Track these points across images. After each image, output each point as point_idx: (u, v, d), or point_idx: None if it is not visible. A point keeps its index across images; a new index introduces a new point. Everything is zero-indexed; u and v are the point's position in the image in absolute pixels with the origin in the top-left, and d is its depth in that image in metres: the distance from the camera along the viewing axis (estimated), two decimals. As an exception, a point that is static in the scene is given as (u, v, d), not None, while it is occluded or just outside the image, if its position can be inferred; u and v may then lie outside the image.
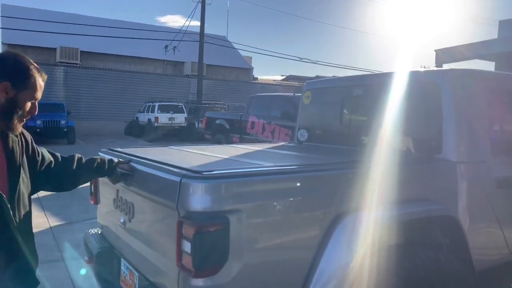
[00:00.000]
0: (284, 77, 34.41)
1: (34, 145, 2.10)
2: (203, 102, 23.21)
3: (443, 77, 3.01)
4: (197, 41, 23.56)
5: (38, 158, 2.09)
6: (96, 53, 26.50)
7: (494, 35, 8.97)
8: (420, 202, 2.65)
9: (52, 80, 23.27)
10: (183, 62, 28.98)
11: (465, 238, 2.72)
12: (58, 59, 24.85)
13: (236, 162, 2.67)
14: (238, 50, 32.05)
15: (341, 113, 3.84)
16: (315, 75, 31.90)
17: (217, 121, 15.00)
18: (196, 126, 21.14)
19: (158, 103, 21.56)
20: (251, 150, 3.46)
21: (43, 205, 7.04)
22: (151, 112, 21.62)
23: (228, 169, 2.20)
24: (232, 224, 1.99)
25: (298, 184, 2.22)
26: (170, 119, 21.28)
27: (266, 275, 2.13)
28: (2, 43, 25.09)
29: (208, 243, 1.94)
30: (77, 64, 25.13)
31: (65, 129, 17.56)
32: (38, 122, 16.98)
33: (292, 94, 13.66)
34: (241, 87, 28.96)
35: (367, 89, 3.54)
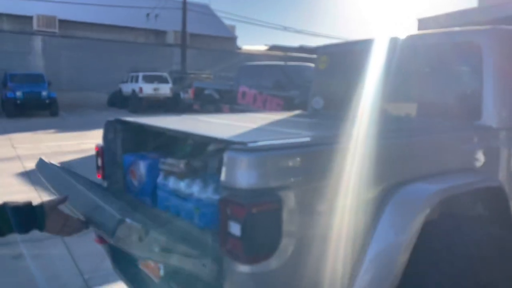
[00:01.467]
0: (268, 47, 33.87)
1: None
2: (188, 72, 22.68)
3: (484, 37, 2.79)
4: (179, 8, 22.76)
5: None
6: (74, 22, 25.39)
7: (475, 4, 8.82)
8: (464, 172, 2.48)
9: (29, 50, 22.33)
10: (165, 31, 28.10)
11: (510, 209, 2.57)
12: (35, 27, 23.75)
13: (270, 132, 2.43)
14: (221, 18, 31.26)
15: (364, 78, 3.60)
16: (299, 45, 31.56)
17: (206, 91, 14.63)
18: (182, 97, 20.68)
19: (142, 73, 20.99)
20: (274, 119, 3.21)
21: (32, 179, 6.70)
22: (135, 83, 21.05)
23: (274, 140, 1.96)
24: (284, 202, 1.77)
25: (350, 155, 2.00)
26: (154, 89, 20.76)
27: (316, 258, 1.93)
28: (-26, 11, 23.81)
29: (261, 225, 1.73)
30: (55, 32, 24.10)
31: (47, 101, 16.93)
32: (18, 93, 16.31)
33: (284, 63, 13.34)
34: (225, 57, 28.36)
35: (396, 52, 3.30)
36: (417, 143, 2.25)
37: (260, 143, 1.86)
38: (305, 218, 1.87)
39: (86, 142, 11.27)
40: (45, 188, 6.35)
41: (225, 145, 1.88)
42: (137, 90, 20.55)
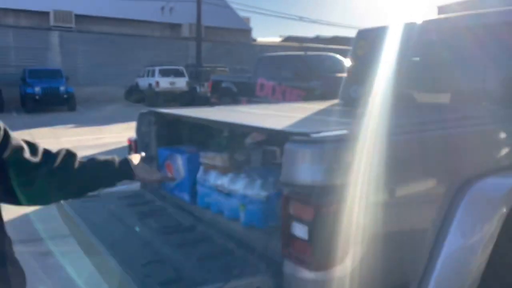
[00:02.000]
0: (283, 38, 33.53)
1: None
2: (203, 65, 22.50)
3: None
4: (194, 1, 22.57)
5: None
6: (90, 16, 25.37)
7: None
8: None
9: (47, 46, 22.39)
10: (180, 24, 27.95)
11: None
12: (51, 23, 23.78)
13: (324, 122, 2.23)
14: (236, 10, 31.00)
15: (410, 63, 3.37)
16: (315, 35, 31.13)
17: (223, 84, 14.44)
18: (198, 91, 20.53)
19: (159, 67, 20.88)
20: (316, 109, 3.02)
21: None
22: (151, 77, 20.97)
23: (337, 131, 1.77)
24: (354, 200, 1.58)
25: (420, 146, 1.80)
26: (171, 83, 20.65)
27: (385, 261, 1.75)
28: (-9, 7, 23.95)
29: (331, 227, 1.54)
30: (72, 28, 24.12)
31: (65, 96, 16.94)
32: (37, 89, 16.34)
33: (304, 52, 13.06)
34: (240, 49, 28.11)
35: (448, 34, 3.07)
36: (489, 132, 2.04)
37: (325, 134, 1.68)
38: (374, 217, 1.68)
39: (105, 136, 11.22)
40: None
41: (283, 136, 1.69)
42: (153, 84, 20.47)
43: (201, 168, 2.63)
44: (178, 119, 2.90)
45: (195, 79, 21.18)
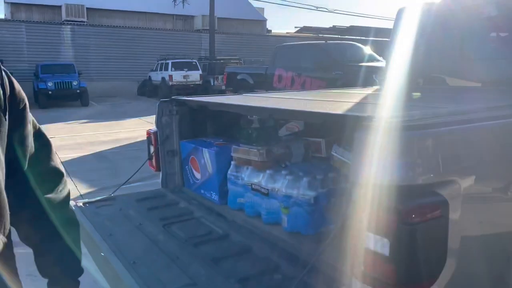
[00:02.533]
0: (298, 28, 32.89)
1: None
2: (217, 58, 22.12)
3: None
4: (207, -8, 22.14)
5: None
6: (102, 10, 25.13)
7: None
8: None
9: (59, 40, 22.19)
10: (193, 16, 27.58)
11: None
12: (64, 17, 23.58)
13: (390, 106, 1.83)
14: (250, 1, 30.52)
15: (463, 41, 2.94)
16: (331, 25, 30.50)
17: (239, 77, 14.06)
18: (212, 84, 20.17)
19: (172, 61, 20.52)
20: (362, 94, 2.62)
21: (69, 170, 6.32)
22: (164, 70, 20.63)
23: (425, 115, 1.38)
24: (451, 204, 1.20)
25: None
26: (184, 77, 20.30)
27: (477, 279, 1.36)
28: (5, 2, 23.81)
29: (421, 240, 1.16)
30: (84, 22, 23.90)
31: (78, 91, 16.69)
32: (50, 84, 16.11)
33: (325, 41, 12.60)
34: (254, 40, 27.60)
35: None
36: None
37: (413, 118, 1.29)
38: (469, 225, 1.29)
39: (120, 131, 10.94)
40: (82, 180, 6.01)
41: (354, 122, 1.31)
42: (167, 78, 20.12)
43: (233, 164, 2.26)
44: (204, 107, 2.53)
45: (209, 72, 20.82)
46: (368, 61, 10.38)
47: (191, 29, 27.22)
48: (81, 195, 5.32)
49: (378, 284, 1.23)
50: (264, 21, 31.10)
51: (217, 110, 2.55)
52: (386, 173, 1.21)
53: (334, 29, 27.75)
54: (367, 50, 11.57)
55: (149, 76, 22.29)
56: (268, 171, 2.06)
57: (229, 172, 2.27)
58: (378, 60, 10.69)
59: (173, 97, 2.76)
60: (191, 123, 2.74)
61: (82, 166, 6.63)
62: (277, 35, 29.67)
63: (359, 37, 21.86)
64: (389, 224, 1.17)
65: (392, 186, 1.19)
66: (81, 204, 2.41)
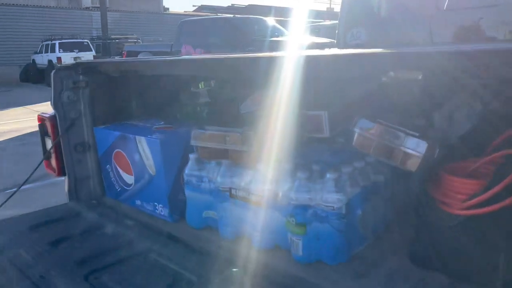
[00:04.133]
0: (196, 7, 31.68)
1: None
2: (112, 37, 20.32)
3: None
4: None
5: None
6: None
7: None
8: None
9: None
10: (79, -7, 24.97)
11: None
12: None
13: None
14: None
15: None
16: (230, 4, 29.85)
17: (140, 55, 12.79)
18: (108, 65, 18.48)
19: (59, 41, 18.36)
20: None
21: None
22: (51, 52, 18.40)
23: None
24: None
25: None
26: (75, 59, 18.18)
27: None
28: None
29: None
30: None
31: None
32: None
33: (232, 15, 11.84)
34: (151, 19, 25.93)
35: None
36: None
37: None
38: None
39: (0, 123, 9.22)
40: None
41: None
42: (54, 61, 17.90)
43: (192, 158, 1.41)
44: (129, 74, 1.63)
45: (104, 52, 19.07)
46: (276, 35, 10.04)
47: (79, 7, 24.69)
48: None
49: None
50: (160, -2, 29.30)
51: (152, 76, 1.67)
52: None
53: (233, 8, 27.18)
54: (275, 24, 11.15)
55: (33, 59, 19.84)
56: (259, 167, 1.26)
57: (186, 171, 1.42)
58: (285, 35, 10.31)
59: (78, 60, 1.81)
60: (110, 99, 1.82)
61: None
62: (175, 13, 28.21)
63: (259, 17, 21.46)
64: None
65: None
66: None
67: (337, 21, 3.28)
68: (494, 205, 1.00)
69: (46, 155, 1.79)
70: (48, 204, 1.83)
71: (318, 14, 23.15)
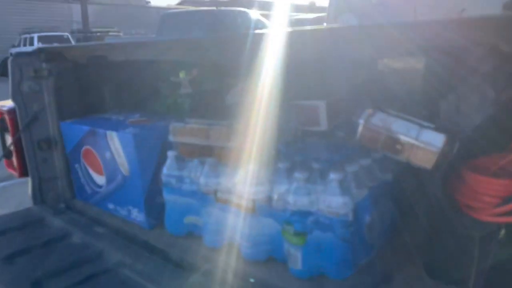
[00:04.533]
0: (180, 1, 31.21)
1: None
2: (93, 30, 19.87)
3: None
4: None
5: None
6: None
7: None
8: None
9: None
10: (58, -15, 24.34)
11: None
12: None
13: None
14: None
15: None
16: (213, -2, 29.46)
17: (122, 49, 12.46)
18: (89, 59, 18.08)
19: (38, 34, 17.88)
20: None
21: None
22: (29, 46, 17.88)
23: None
24: None
25: None
26: (56, 52, 17.82)
27: None
28: None
29: None
30: None
31: None
32: None
33: (216, 8, 11.58)
34: (133, 12, 25.46)
35: None
36: None
37: None
38: None
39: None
40: None
41: None
42: (33, 54, 17.49)
43: (171, 156, 1.22)
44: (98, 60, 1.43)
45: (84, 46, 18.64)
46: (259, 28, 9.89)
47: (59, -1, 24.11)
48: None
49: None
50: (142, -9, 28.76)
51: (125, 63, 1.47)
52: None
53: (215, 2, 26.87)
54: (259, 18, 10.97)
55: (11, 53, 19.23)
56: (251, 165, 1.07)
57: (164, 170, 1.23)
58: (268, 28, 10.16)
59: (40, 46, 1.60)
60: (78, 90, 1.61)
61: None
62: (158, 6, 27.76)
63: (242, 9, 21.17)
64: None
65: None
66: None
67: (321, 14, 3.14)
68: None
69: (5, 153, 1.58)
70: (24, 205, 1.63)
71: (300, 8, 23.00)
